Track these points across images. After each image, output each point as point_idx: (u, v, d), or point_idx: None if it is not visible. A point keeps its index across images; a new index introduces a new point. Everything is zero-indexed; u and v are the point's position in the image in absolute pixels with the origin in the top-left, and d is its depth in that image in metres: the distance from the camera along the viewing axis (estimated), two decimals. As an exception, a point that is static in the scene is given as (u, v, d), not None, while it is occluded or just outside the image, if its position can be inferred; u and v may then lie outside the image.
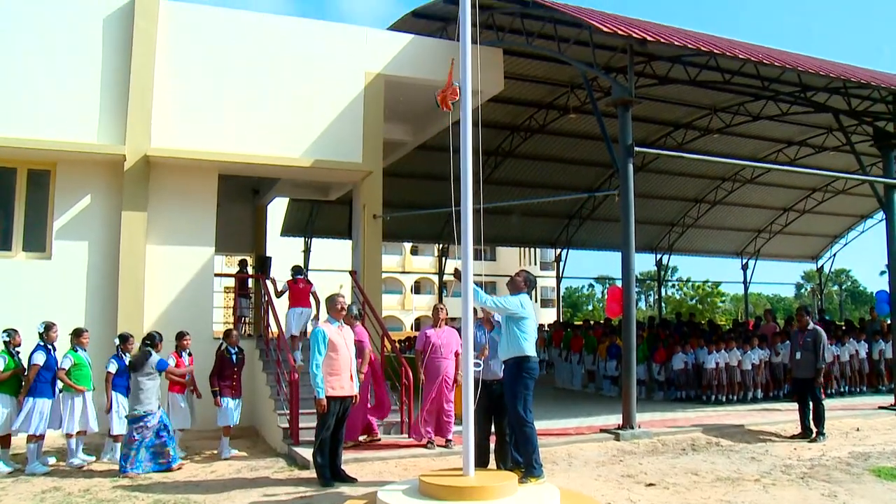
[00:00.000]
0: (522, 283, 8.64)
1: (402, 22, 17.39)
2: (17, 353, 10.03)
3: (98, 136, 12.88)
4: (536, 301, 55.96)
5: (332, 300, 9.13)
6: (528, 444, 8.21)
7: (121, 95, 12.99)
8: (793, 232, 33.43)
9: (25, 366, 9.93)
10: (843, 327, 21.32)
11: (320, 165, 14.11)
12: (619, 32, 11.89)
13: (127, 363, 10.13)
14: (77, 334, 10.39)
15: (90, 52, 12.98)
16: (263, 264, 19.20)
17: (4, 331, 10.08)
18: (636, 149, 12.13)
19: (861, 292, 77.63)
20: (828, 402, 12.97)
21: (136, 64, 13.04)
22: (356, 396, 9.10)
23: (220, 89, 13.70)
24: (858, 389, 18.12)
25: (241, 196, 20.06)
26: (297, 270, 14.08)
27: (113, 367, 10.15)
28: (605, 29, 11.89)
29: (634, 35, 11.93)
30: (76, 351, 10.23)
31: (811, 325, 12.55)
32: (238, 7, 15.14)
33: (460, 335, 8.43)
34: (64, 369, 10.01)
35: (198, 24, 13.84)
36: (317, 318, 13.20)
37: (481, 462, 8.52)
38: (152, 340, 10.17)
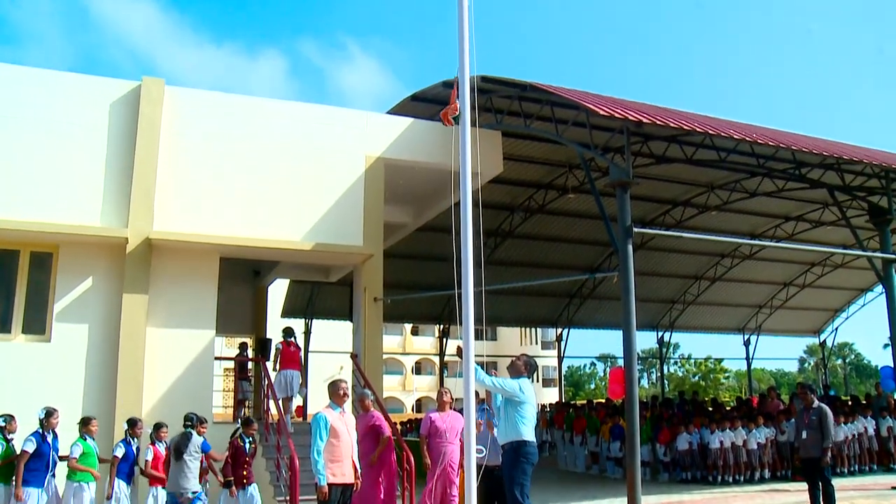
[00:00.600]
0: (523, 367, 8.60)
1: (401, 105, 17.69)
2: (11, 439, 9.89)
3: (101, 218, 12.96)
4: (538, 381, 55.47)
5: (334, 385, 9.04)
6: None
7: (124, 178, 13.12)
8: (794, 306, 33.42)
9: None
10: (850, 403, 21.11)
11: (321, 249, 14.18)
12: (616, 115, 12.10)
13: (168, 446, 10.10)
14: (85, 422, 10.27)
15: (96, 136, 13.17)
16: (264, 347, 19.11)
17: (0, 416, 9.97)
18: (635, 229, 12.22)
19: (865, 366, 77.10)
20: (838, 482, 12.72)
21: (141, 148, 13.22)
22: (357, 483, 8.94)
23: (221, 172, 13.86)
24: (868, 468, 17.82)
25: (241, 277, 20.07)
26: (288, 332, 14.58)
27: (120, 452, 10.05)
28: (602, 112, 12.09)
29: (630, 117, 12.13)
30: (84, 439, 10.10)
31: (816, 403, 12.39)
32: (239, 85, 15.45)
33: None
34: (74, 458, 9.87)
35: (200, 109, 14.08)
36: (304, 383, 13.86)
37: None
38: (192, 421, 10.12)
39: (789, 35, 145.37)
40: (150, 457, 10.33)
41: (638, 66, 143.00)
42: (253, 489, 10.77)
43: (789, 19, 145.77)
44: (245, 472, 10.74)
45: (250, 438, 10.97)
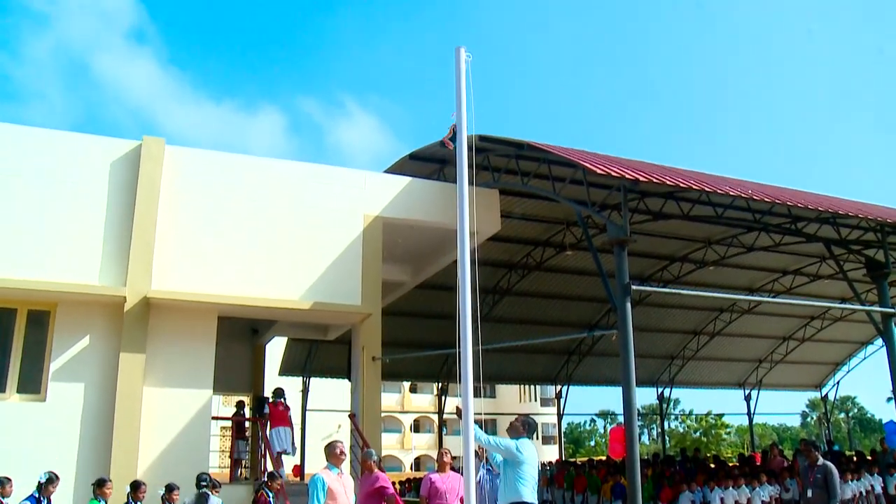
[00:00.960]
0: (521, 428, 8.55)
1: (399, 164, 17.84)
2: None
3: (100, 277, 12.94)
4: (538, 438, 54.90)
5: (331, 447, 8.96)
6: None
7: (123, 237, 13.15)
8: (794, 360, 33.31)
9: None
10: (855, 459, 20.90)
11: (319, 308, 14.17)
12: (612, 173, 12.19)
13: None
14: (100, 484, 10.06)
15: (96, 194, 13.23)
16: (261, 406, 18.96)
17: None
18: (633, 287, 12.23)
19: (869, 420, 76.48)
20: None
21: (140, 207, 13.28)
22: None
23: (221, 231, 13.91)
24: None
25: (239, 335, 19.99)
26: (277, 394, 15.00)
27: None
28: (599, 171, 12.19)
29: (627, 176, 12.23)
30: (98, 500, 9.94)
31: (821, 461, 12.24)
32: (238, 141, 15.65)
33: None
34: None
35: (200, 168, 14.18)
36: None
37: None
38: (207, 482, 10.02)
39: (788, 87, 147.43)
40: None
41: (633, 121, 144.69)
42: None
43: (788, 70, 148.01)
44: None
45: (273, 493, 10.86)
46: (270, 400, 14.98)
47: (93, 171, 13.35)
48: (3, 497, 9.75)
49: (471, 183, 8.14)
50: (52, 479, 9.82)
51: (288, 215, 14.46)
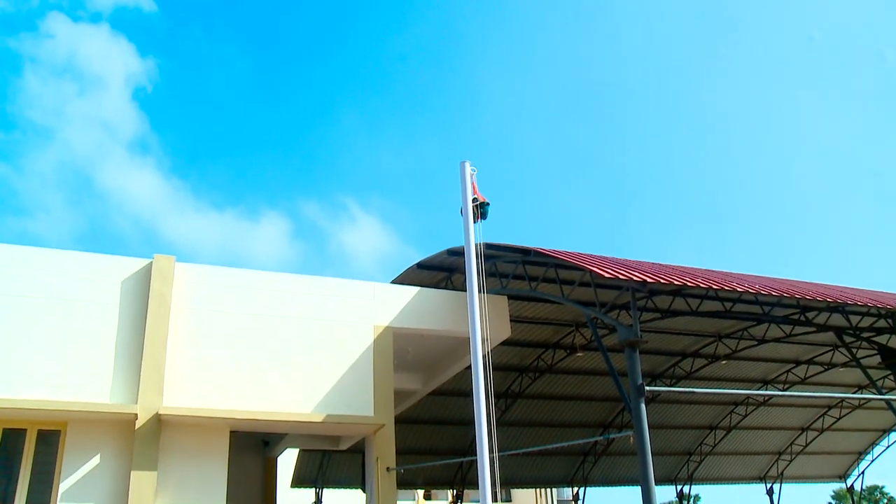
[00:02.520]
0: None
1: (407, 274, 18.02)
2: None
3: (111, 395, 12.95)
4: (557, 541, 53.40)
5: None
6: None
7: (134, 355, 13.21)
8: (815, 451, 32.72)
9: None
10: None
11: (332, 420, 14.09)
12: (620, 276, 12.33)
13: None
14: None
15: (107, 313, 13.36)
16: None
17: None
18: (647, 388, 12.20)
19: (900, 510, 74.25)
20: None
21: (151, 324, 13.38)
22: None
23: (231, 346, 13.97)
24: None
25: (250, 448, 19.82)
26: None
27: None
28: (606, 274, 12.33)
29: (634, 278, 12.36)
30: None
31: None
32: (242, 248, 15.80)
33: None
34: None
35: (210, 284, 14.35)
36: None
37: None
38: None
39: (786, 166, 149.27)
40: None
41: (638, 220, 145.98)
42: None
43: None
44: None
45: None
46: None
47: (104, 290, 13.52)
48: None
49: (480, 291, 8.32)
50: None
51: (298, 328, 14.53)
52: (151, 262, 13.92)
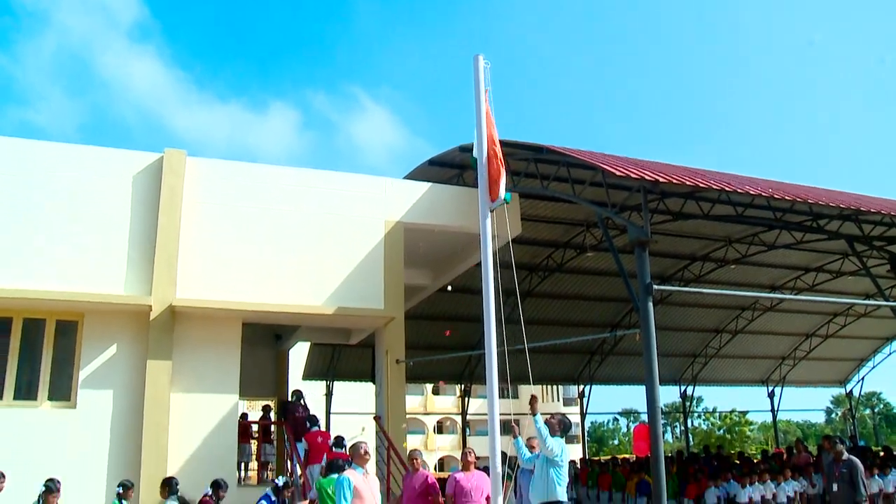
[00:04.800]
0: (557, 427, 8.65)
1: (419, 170, 17.97)
2: None
3: (125, 287, 13.17)
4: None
5: (355, 447, 9.13)
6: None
7: (147, 248, 13.38)
8: (818, 357, 33.08)
9: None
10: (882, 455, 20.77)
11: (342, 313, 14.31)
12: (632, 175, 12.24)
13: None
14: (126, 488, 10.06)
15: (119, 207, 13.47)
16: (285, 410, 19.13)
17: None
18: (655, 287, 12.26)
19: (895, 416, 75.65)
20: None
21: (163, 218, 13.49)
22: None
23: (243, 239, 14.09)
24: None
25: (263, 341, 20.19)
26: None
27: None
28: (618, 172, 12.24)
29: (646, 177, 12.27)
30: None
31: (846, 456, 12.20)
32: (250, 143, 15.71)
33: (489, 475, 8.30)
34: None
35: (221, 178, 14.37)
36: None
37: None
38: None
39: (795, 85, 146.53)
40: None
41: (653, 123, 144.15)
42: None
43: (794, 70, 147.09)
44: None
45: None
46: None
47: (116, 184, 13.58)
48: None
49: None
50: (127, 486, 9.95)
51: (310, 223, 14.62)
52: (162, 157, 13.91)
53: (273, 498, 10.22)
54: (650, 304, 12.16)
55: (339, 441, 13.75)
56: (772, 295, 23.84)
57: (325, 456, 13.22)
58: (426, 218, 15.34)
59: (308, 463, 13.63)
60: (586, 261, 22.51)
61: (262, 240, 14.19)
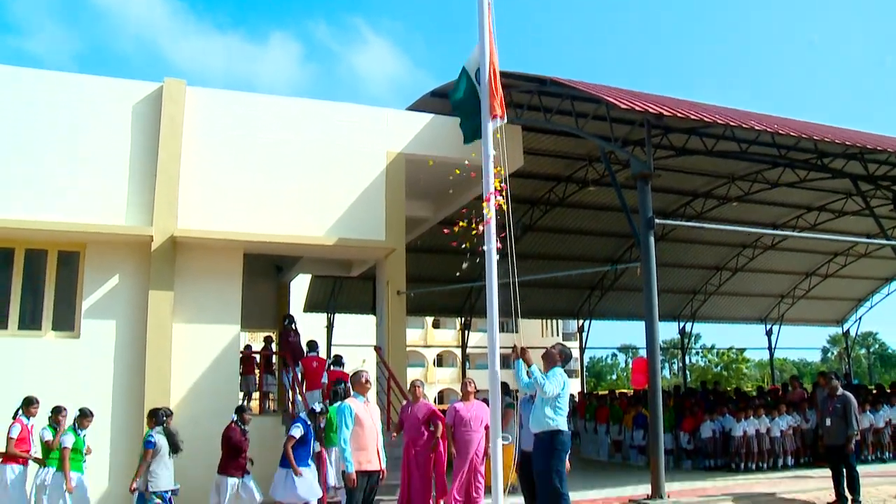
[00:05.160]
0: (558, 357, 8.68)
1: (421, 102, 17.79)
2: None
3: (126, 217, 13.16)
4: (560, 372, 55.35)
5: (357, 376, 9.22)
6: (562, 517, 8.21)
7: (148, 178, 13.31)
8: (816, 296, 33.24)
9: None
10: (875, 392, 21.04)
11: (344, 244, 14.31)
12: (636, 108, 12.13)
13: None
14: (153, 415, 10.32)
15: (119, 137, 13.35)
16: (289, 322, 19.24)
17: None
18: (656, 221, 12.25)
19: (890, 355, 76.52)
20: (863, 469, 12.73)
21: (164, 148, 13.39)
22: (383, 472, 9.08)
23: (244, 170, 14.02)
24: (894, 455, 17.81)
25: (264, 274, 20.27)
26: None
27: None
28: (622, 105, 12.13)
29: (651, 110, 12.16)
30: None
31: (840, 391, 12.39)
32: (251, 74, 15.51)
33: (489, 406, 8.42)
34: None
35: (222, 108, 14.22)
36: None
37: None
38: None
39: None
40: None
41: (654, 60, 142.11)
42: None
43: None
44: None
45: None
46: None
47: (116, 114, 13.44)
48: (81, 429, 10.18)
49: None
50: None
51: (311, 153, 14.52)
52: (162, 86, 13.74)
53: (308, 422, 10.38)
54: (651, 238, 12.18)
55: (338, 360, 14.05)
56: (774, 232, 23.78)
57: (325, 379, 13.37)
58: (427, 149, 15.20)
59: (307, 389, 13.75)
60: (588, 195, 22.44)
61: (263, 170, 14.12)
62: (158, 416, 10.09)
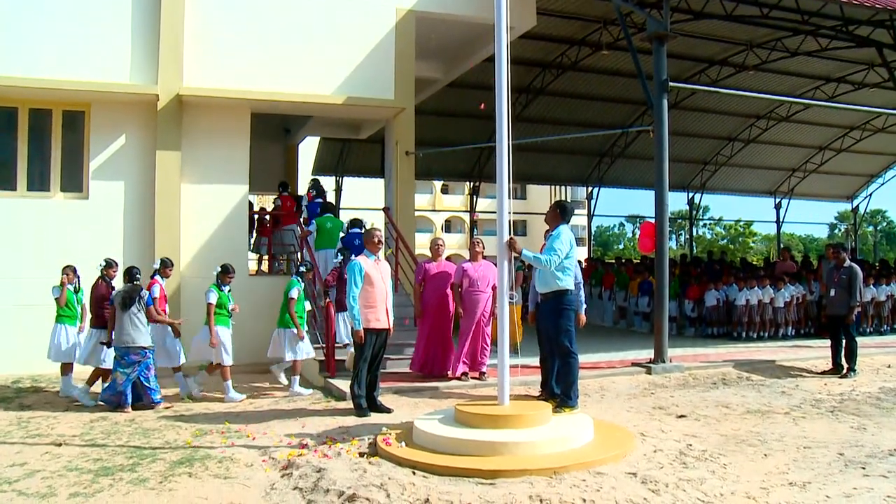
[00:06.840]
0: (559, 214, 8.66)
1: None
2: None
3: (131, 76, 12.95)
4: (566, 241, 55.66)
5: (368, 234, 9.27)
6: (570, 375, 8.44)
7: (152, 35, 13.00)
8: (828, 171, 32.93)
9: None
10: (878, 267, 21.18)
11: (352, 102, 14.07)
12: (655, -36, 11.67)
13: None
14: (226, 271, 10.43)
15: (119, -7, 12.97)
16: (297, 202, 19.26)
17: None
18: (671, 84, 11.99)
19: (896, 233, 76.50)
20: (861, 340, 12.94)
21: (167, 3, 13.02)
22: (391, 330, 9.24)
23: (251, 27, 13.64)
24: (892, 328, 18.11)
25: (272, 135, 20.12)
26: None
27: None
28: (641, -39, 11.67)
29: (670, -33, 11.70)
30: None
31: (847, 262, 12.46)
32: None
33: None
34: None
35: (227, -38, 13.72)
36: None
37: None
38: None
39: None
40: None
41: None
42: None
43: None
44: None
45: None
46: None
47: (117, -32, 12.98)
48: (224, 285, 10.38)
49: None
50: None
51: (320, 9, 14.06)
52: (165, -61, 13.22)
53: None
54: (665, 102, 11.96)
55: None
56: (791, 99, 23.08)
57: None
58: (438, 7, 14.69)
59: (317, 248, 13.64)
60: (601, 59, 21.86)
61: (270, 27, 13.74)
62: (132, 274, 10.01)
